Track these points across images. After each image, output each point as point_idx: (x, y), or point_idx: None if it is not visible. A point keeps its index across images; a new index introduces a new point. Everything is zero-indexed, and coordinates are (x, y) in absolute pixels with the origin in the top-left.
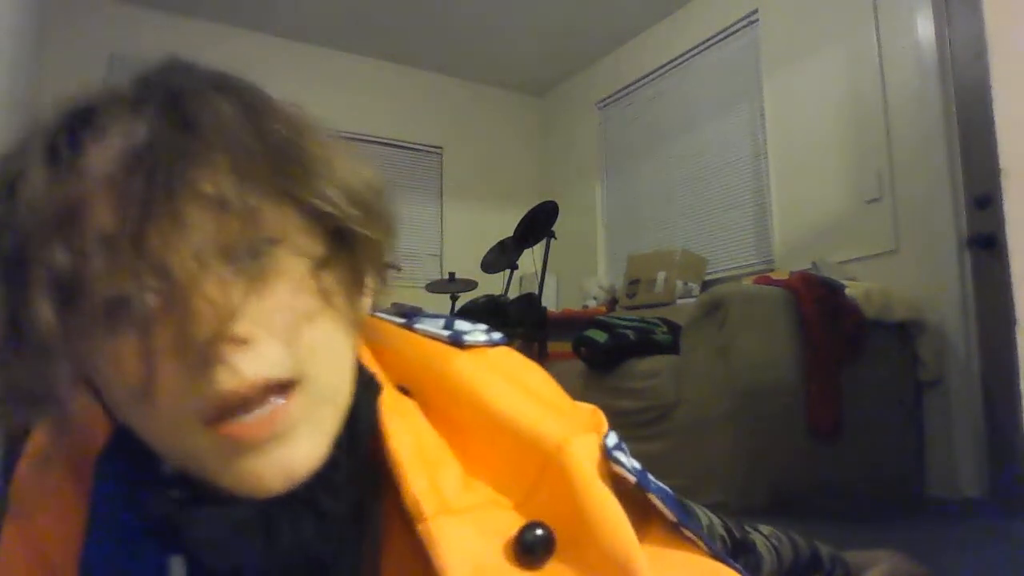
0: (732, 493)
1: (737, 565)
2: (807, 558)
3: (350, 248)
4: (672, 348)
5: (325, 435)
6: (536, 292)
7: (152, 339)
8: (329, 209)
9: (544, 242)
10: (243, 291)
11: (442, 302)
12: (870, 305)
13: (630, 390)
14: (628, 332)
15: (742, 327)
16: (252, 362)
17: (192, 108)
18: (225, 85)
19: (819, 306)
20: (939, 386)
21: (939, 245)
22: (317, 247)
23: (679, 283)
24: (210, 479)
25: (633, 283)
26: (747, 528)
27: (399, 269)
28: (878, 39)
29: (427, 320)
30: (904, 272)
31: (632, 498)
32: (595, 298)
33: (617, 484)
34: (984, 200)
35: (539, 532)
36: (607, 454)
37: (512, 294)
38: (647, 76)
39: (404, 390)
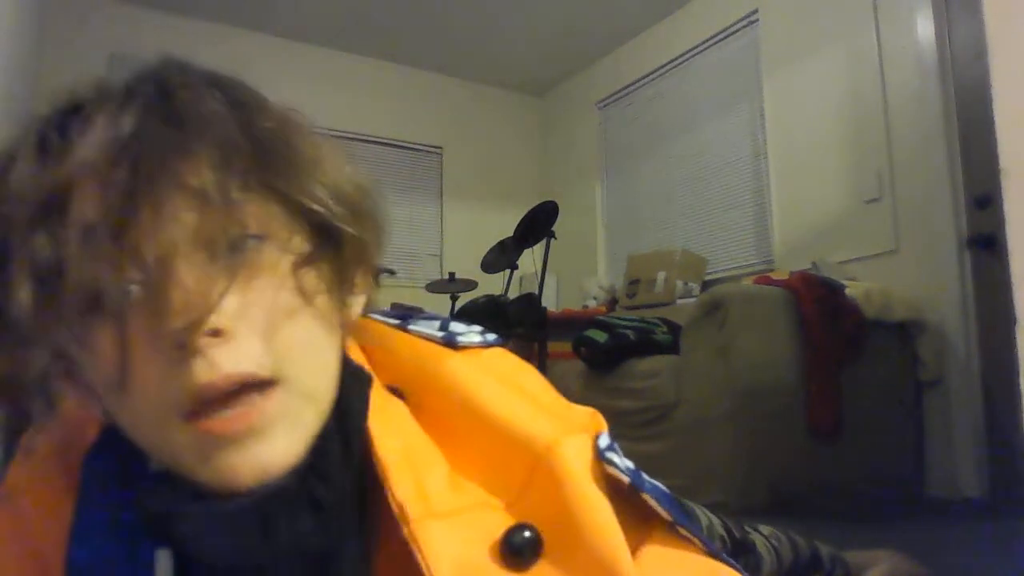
0: (732, 493)
1: (736, 564)
2: (807, 558)
3: (336, 247)
4: (672, 348)
5: (303, 433)
6: (536, 292)
7: (128, 328)
8: (315, 206)
9: (544, 242)
10: (223, 284)
11: (442, 302)
12: (870, 305)
13: (630, 390)
14: (628, 332)
15: (742, 327)
16: (230, 356)
17: (180, 102)
18: (216, 82)
19: (819, 306)
20: (939, 386)
21: (939, 245)
22: (302, 244)
23: (679, 283)
24: (188, 474)
25: (633, 283)
26: (747, 528)
27: (393, 273)
28: (878, 39)
29: (422, 321)
30: (904, 272)
31: (631, 500)
32: (595, 298)
33: (612, 485)
34: (984, 200)
35: (526, 534)
36: (599, 455)
37: (512, 294)
38: (647, 76)
39: (397, 391)
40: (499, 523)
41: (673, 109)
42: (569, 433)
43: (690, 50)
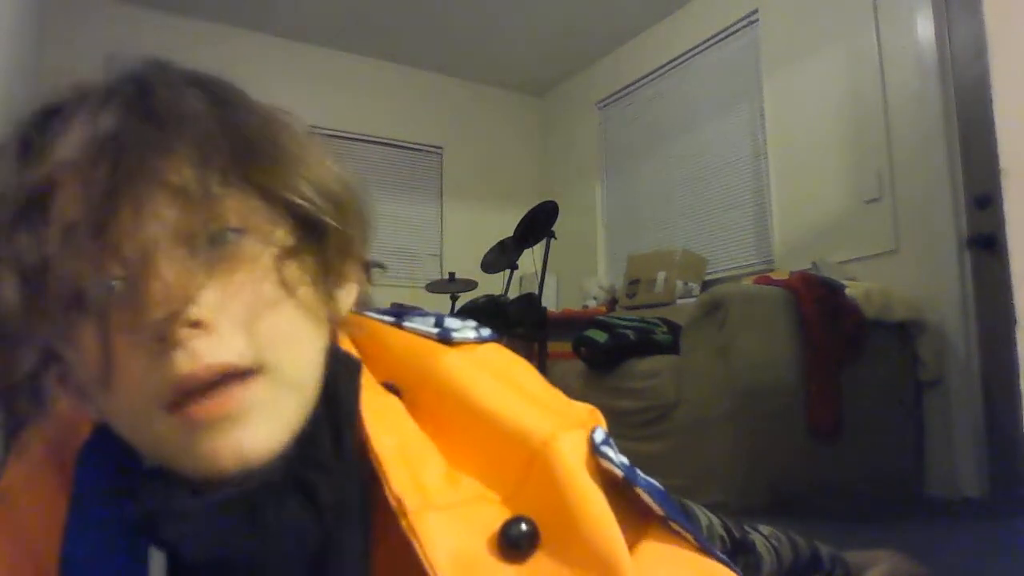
0: (732, 493)
1: (728, 561)
2: (807, 558)
3: (320, 239)
4: (672, 348)
5: (286, 422)
6: (536, 292)
7: (110, 324)
8: (296, 199)
9: (544, 242)
10: (202, 277)
11: (442, 302)
12: (870, 305)
13: (630, 390)
14: (628, 332)
15: (742, 327)
16: (211, 347)
17: (159, 100)
18: (197, 81)
19: (819, 306)
20: (939, 386)
21: (939, 245)
22: (285, 237)
23: (679, 283)
24: (173, 464)
25: (633, 283)
26: (747, 528)
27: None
28: (878, 39)
29: (417, 318)
30: (904, 272)
31: (627, 496)
32: (595, 298)
33: (607, 479)
34: (984, 200)
35: (523, 526)
36: (594, 449)
37: (512, 294)
38: (647, 76)
39: (392, 387)
40: (496, 516)
41: (673, 109)
42: (565, 428)
43: (690, 50)
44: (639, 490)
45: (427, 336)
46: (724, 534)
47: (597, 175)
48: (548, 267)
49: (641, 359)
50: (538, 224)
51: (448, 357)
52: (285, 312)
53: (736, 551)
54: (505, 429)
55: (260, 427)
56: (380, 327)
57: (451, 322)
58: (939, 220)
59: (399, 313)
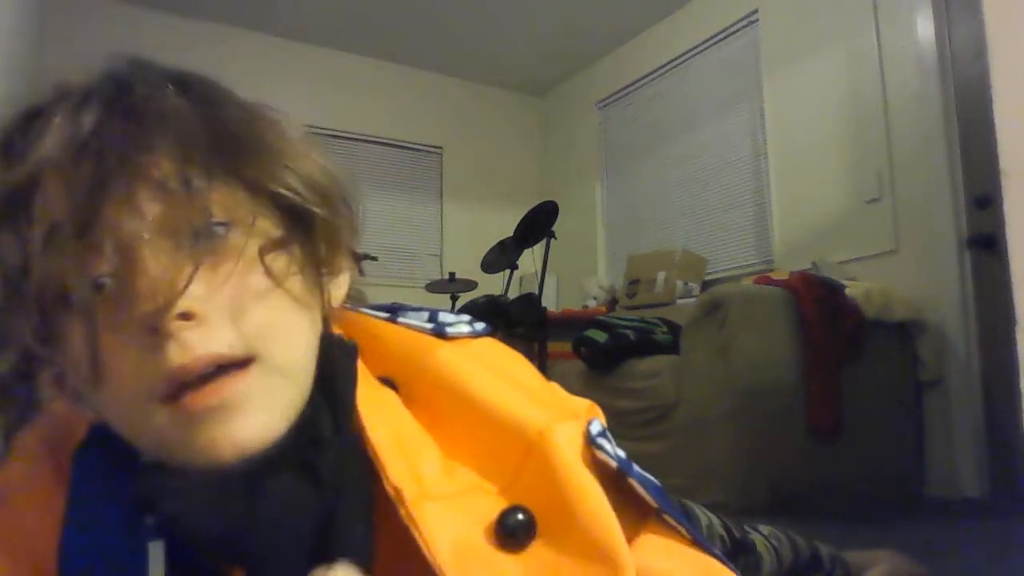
0: (732, 493)
1: (722, 556)
2: (807, 558)
3: (307, 230)
4: (672, 348)
5: (281, 410)
6: (536, 292)
7: (97, 321)
8: (281, 190)
9: (544, 242)
10: (189, 270)
11: (442, 302)
12: (870, 305)
13: (630, 390)
14: (628, 332)
15: (742, 327)
16: (202, 338)
17: (139, 98)
18: (178, 78)
19: (819, 306)
20: (939, 386)
21: (939, 245)
22: (272, 229)
23: (679, 283)
24: (172, 457)
25: (633, 283)
26: (747, 528)
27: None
28: (878, 39)
29: (411, 313)
30: (904, 272)
31: (623, 489)
32: (595, 298)
33: (604, 473)
34: (984, 200)
35: (520, 516)
36: (590, 441)
37: (512, 294)
38: (647, 76)
39: (388, 382)
40: (493, 506)
41: (673, 109)
42: (560, 420)
43: (690, 50)
44: (632, 481)
45: (422, 331)
46: (724, 534)
47: (597, 175)
48: (548, 267)
49: (641, 359)
50: (538, 224)
51: (443, 351)
52: (275, 302)
53: (736, 551)
54: (501, 420)
55: (256, 416)
56: (374, 322)
57: (445, 316)
58: (939, 220)
59: (393, 308)
